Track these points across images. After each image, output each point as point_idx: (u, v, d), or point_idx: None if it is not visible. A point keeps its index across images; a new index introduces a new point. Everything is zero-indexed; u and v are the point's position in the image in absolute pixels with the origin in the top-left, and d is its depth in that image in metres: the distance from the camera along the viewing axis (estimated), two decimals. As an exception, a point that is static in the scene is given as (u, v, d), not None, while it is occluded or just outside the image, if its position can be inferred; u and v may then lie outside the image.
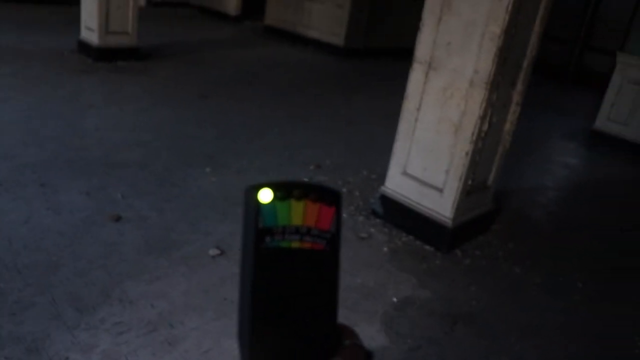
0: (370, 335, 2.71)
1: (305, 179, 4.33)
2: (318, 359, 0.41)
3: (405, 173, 3.68)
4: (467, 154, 3.33)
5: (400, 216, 3.74)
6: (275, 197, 0.40)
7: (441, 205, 3.51)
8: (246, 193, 0.42)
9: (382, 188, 3.85)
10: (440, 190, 3.50)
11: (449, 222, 3.49)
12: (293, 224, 0.40)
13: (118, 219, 3.33)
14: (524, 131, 5.45)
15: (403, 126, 3.65)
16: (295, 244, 0.40)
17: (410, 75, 3.55)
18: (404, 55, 10.16)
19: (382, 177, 4.06)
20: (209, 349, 2.45)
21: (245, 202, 0.42)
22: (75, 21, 7.16)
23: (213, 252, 3.16)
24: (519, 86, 3.48)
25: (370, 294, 3.04)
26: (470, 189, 3.51)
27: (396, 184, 3.75)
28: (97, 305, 2.58)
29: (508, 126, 3.59)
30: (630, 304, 3.42)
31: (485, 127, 3.32)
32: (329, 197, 0.41)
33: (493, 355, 2.75)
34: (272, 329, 0.40)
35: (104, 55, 6.76)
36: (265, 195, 0.41)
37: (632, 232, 4.55)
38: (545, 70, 9.34)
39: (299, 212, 0.41)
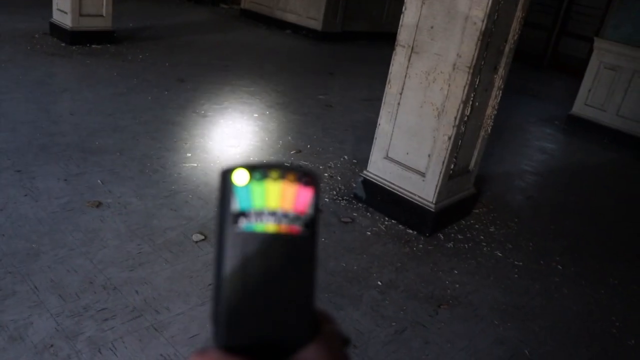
0: (356, 318, 2.73)
1: (287, 165, 4.30)
2: (295, 344, 0.40)
3: (387, 157, 3.69)
4: (449, 138, 3.34)
5: (382, 200, 3.75)
6: (251, 178, 0.39)
7: (424, 190, 3.53)
8: (221, 175, 0.39)
9: (364, 172, 3.85)
10: (423, 175, 3.51)
11: (431, 206, 3.51)
12: (269, 206, 0.39)
13: (98, 205, 3.27)
14: (502, 116, 5.51)
15: (385, 110, 3.64)
16: (271, 227, 0.39)
17: (393, 58, 3.54)
18: (382, 40, 10.23)
19: (363, 162, 4.07)
20: (196, 334, 2.44)
21: (220, 184, 0.39)
22: (46, 3, 6.96)
23: (196, 237, 3.13)
24: (501, 71, 3.50)
25: (355, 278, 3.05)
26: (453, 173, 3.54)
27: (378, 168, 3.75)
28: (81, 292, 2.54)
29: (490, 110, 3.61)
30: (609, 285, 3.50)
31: (468, 111, 3.34)
32: (306, 178, 0.40)
33: (477, 336, 2.79)
34: (247, 314, 0.39)
35: (77, 38, 6.60)
36: (241, 177, 0.39)
37: (610, 215, 4.65)
38: (522, 56, 9.40)
39: (275, 195, 0.39)
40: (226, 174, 0.39)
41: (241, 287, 0.39)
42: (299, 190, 0.39)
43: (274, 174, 0.39)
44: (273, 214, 0.39)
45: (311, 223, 0.40)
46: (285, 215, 0.39)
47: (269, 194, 0.39)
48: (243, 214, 0.39)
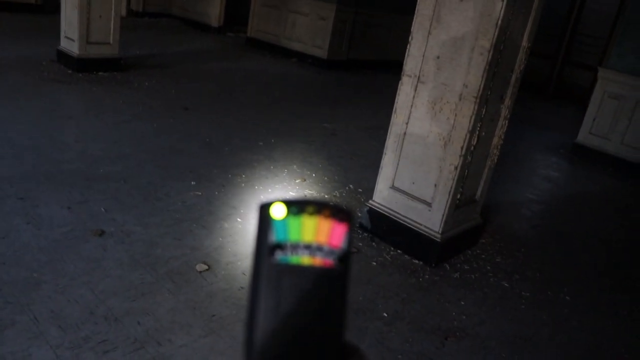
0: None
1: (292, 194, 4.29)
2: None
3: (393, 187, 3.66)
4: (456, 168, 3.32)
5: (388, 230, 3.71)
6: (288, 212, 0.41)
7: (430, 220, 3.49)
8: (259, 208, 0.41)
9: (370, 202, 3.82)
10: (429, 204, 3.48)
11: (437, 236, 3.47)
12: (304, 240, 0.41)
13: (101, 233, 3.25)
14: (508, 145, 5.49)
15: (391, 140, 3.63)
16: (306, 260, 0.40)
17: (399, 88, 3.54)
18: (387, 68, 10.30)
19: (368, 191, 4.04)
20: (198, 368, 2.38)
21: (257, 217, 0.41)
22: (54, 31, 7.05)
23: (200, 267, 3.09)
24: (507, 101, 3.50)
25: (360, 310, 3.00)
26: (459, 203, 3.50)
27: (384, 198, 3.73)
28: (81, 323, 2.50)
29: (496, 140, 3.59)
30: (618, 316, 3.44)
31: (474, 141, 3.32)
32: (341, 214, 0.41)
33: (485, 371, 2.73)
34: (279, 344, 0.40)
35: (84, 65, 6.66)
36: (278, 211, 0.41)
37: (618, 245, 4.59)
38: (527, 85, 9.44)
39: (311, 229, 0.41)
40: (264, 208, 0.41)
41: (275, 318, 0.40)
42: (333, 226, 0.41)
43: (310, 209, 0.41)
44: (308, 247, 0.40)
45: (344, 257, 0.41)
46: (319, 249, 0.41)
47: (304, 228, 0.40)
48: (279, 246, 0.40)
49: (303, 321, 0.40)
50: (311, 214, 0.41)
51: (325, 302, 0.41)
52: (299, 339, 0.40)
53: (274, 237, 0.40)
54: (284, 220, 0.40)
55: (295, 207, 0.41)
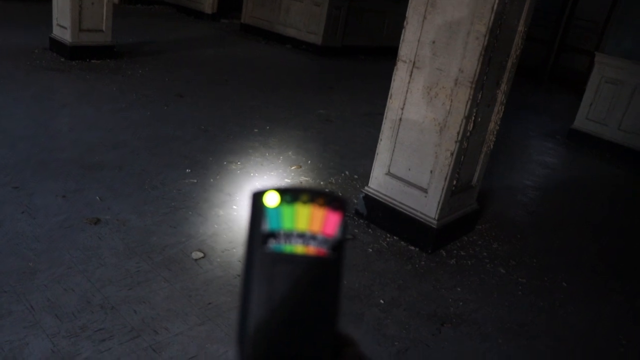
0: (358, 338, 2.66)
1: (287, 180, 4.27)
2: None
3: (389, 173, 3.65)
4: (452, 153, 3.31)
5: (384, 217, 3.71)
6: (282, 201, 0.40)
7: (426, 206, 3.49)
8: (252, 196, 0.41)
9: (366, 188, 3.81)
10: (425, 191, 3.48)
11: (433, 223, 3.47)
12: (298, 228, 0.40)
13: (96, 222, 3.23)
14: (503, 131, 5.48)
15: (387, 125, 3.61)
16: (300, 249, 0.40)
17: (394, 74, 3.52)
18: (383, 54, 10.25)
19: (364, 178, 4.03)
20: (195, 355, 2.38)
21: (250, 205, 0.41)
22: (46, 18, 6.97)
23: (195, 255, 3.08)
24: (503, 86, 3.48)
25: (356, 296, 3.00)
26: (455, 189, 3.50)
27: (380, 184, 3.72)
28: (78, 312, 2.49)
29: (492, 126, 3.58)
30: (614, 302, 3.45)
31: (470, 126, 3.31)
32: (335, 203, 0.41)
33: (481, 356, 2.74)
34: (272, 333, 0.40)
35: (77, 53, 6.59)
36: (272, 199, 0.40)
37: (613, 230, 4.61)
38: (523, 70, 9.41)
39: (304, 217, 0.40)
40: (257, 196, 0.40)
41: (268, 306, 0.40)
42: (327, 214, 0.41)
43: (304, 197, 0.41)
44: (301, 236, 0.40)
45: (338, 246, 0.41)
46: (313, 238, 0.40)
47: (298, 217, 0.40)
48: (272, 234, 0.40)
49: (296, 310, 0.40)
50: (305, 202, 0.40)
51: (319, 291, 0.41)
52: (292, 327, 0.40)
53: (267, 225, 0.40)
54: (277, 208, 0.40)
55: (289, 195, 0.40)
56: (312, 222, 0.41)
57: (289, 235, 0.40)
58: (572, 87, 10.42)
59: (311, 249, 0.40)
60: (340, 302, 0.41)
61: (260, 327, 0.40)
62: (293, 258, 0.40)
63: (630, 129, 6.50)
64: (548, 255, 3.87)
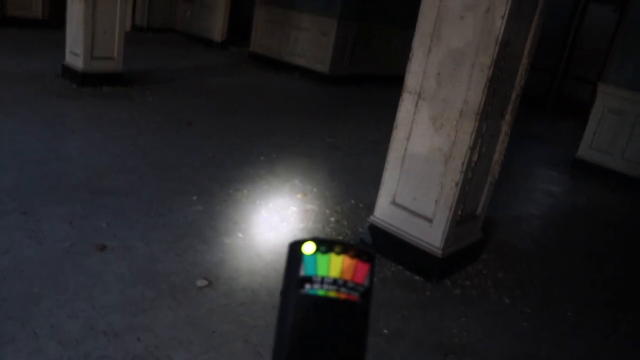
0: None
1: (293, 208, 4.29)
2: None
3: (394, 202, 3.66)
4: (457, 184, 3.33)
5: (389, 246, 3.71)
6: (317, 250, 0.44)
7: (431, 236, 3.49)
8: (291, 245, 0.45)
9: (371, 217, 3.82)
10: (430, 220, 3.48)
11: (438, 252, 3.47)
12: (331, 275, 0.44)
13: (102, 248, 3.25)
14: (507, 160, 5.49)
15: (392, 155, 3.64)
16: (332, 294, 0.44)
17: (400, 104, 3.56)
18: (389, 83, 10.33)
19: (370, 206, 4.04)
20: (197, 384, 2.38)
21: (288, 253, 0.45)
22: (59, 45, 7.10)
23: (200, 283, 3.09)
24: (508, 117, 3.51)
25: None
26: (460, 219, 3.50)
27: (385, 214, 3.73)
28: (81, 339, 2.50)
29: (497, 156, 3.60)
30: (620, 333, 3.42)
31: (475, 157, 3.33)
32: (365, 255, 0.45)
33: (486, 389, 2.72)
34: None
35: (88, 80, 6.70)
36: (309, 248, 0.44)
37: (618, 259, 4.58)
38: (526, 99, 9.49)
39: (337, 266, 0.44)
40: (295, 244, 0.45)
41: (301, 344, 0.43)
42: (358, 264, 0.45)
43: (337, 248, 0.45)
44: (334, 282, 0.44)
45: (367, 294, 0.45)
46: (344, 285, 0.44)
47: (331, 265, 0.44)
48: (308, 279, 0.44)
49: (327, 349, 0.43)
50: (338, 252, 0.44)
51: (348, 333, 0.44)
52: None
53: (303, 270, 0.44)
54: (313, 256, 0.44)
55: (324, 245, 0.44)
56: (344, 270, 0.44)
57: (323, 281, 0.44)
58: (575, 115, 10.44)
59: (343, 295, 0.44)
60: (367, 344, 0.44)
61: None
62: (326, 301, 0.43)
63: (634, 158, 6.51)
64: (553, 285, 3.85)
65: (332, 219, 4.23)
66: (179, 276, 3.12)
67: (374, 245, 3.79)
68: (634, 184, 6.47)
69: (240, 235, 3.70)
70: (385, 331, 2.98)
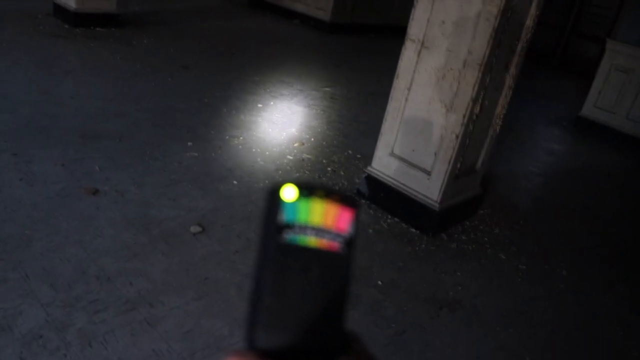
0: (355, 318, 2.65)
1: (289, 157, 4.22)
2: (327, 355, 0.41)
3: (392, 154, 3.60)
4: (457, 136, 3.26)
5: (386, 198, 3.67)
6: (298, 195, 0.41)
7: (428, 188, 3.45)
8: (270, 189, 0.42)
9: (368, 168, 3.77)
10: (428, 173, 3.43)
11: (435, 206, 3.43)
12: (312, 222, 0.41)
13: (95, 192, 3.20)
14: (510, 116, 5.41)
15: (392, 105, 3.56)
16: (313, 242, 0.41)
17: (402, 53, 3.45)
18: (391, 32, 10.11)
19: (367, 157, 3.99)
20: (190, 329, 2.37)
21: (267, 197, 0.42)
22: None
23: (194, 229, 3.05)
24: (513, 70, 3.41)
25: (355, 277, 2.97)
26: (459, 173, 3.45)
27: (383, 165, 3.67)
28: (73, 282, 2.47)
29: (499, 110, 3.52)
30: (615, 291, 3.43)
31: (477, 109, 3.25)
32: (349, 201, 0.42)
33: (479, 341, 2.73)
34: (283, 320, 0.41)
35: (81, 20, 6.49)
36: (289, 193, 0.41)
37: (616, 219, 4.57)
38: (532, 55, 9.32)
39: (319, 212, 0.41)
40: (275, 189, 0.42)
41: (280, 294, 0.41)
42: (341, 211, 0.42)
43: (319, 193, 0.42)
44: (315, 229, 0.41)
45: (350, 242, 0.42)
46: (326, 232, 0.41)
47: (313, 211, 0.41)
48: (288, 226, 0.41)
49: (307, 300, 0.41)
50: (320, 198, 0.42)
51: (329, 283, 0.42)
52: (303, 316, 0.41)
53: (283, 217, 0.41)
54: (293, 201, 0.41)
55: (306, 190, 0.42)
56: (327, 217, 0.42)
57: (303, 228, 0.41)
58: (581, 74, 10.28)
59: (324, 243, 0.41)
60: (349, 297, 0.42)
61: (272, 315, 0.41)
62: (306, 250, 0.41)
63: (639, 118, 6.42)
64: (549, 243, 3.84)
65: (329, 168, 4.17)
66: (173, 222, 3.08)
67: (370, 196, 3.75)
68: (637, 144, 6.41)
69: (235, 182, 3.65)
70: (380, 283, 2.97)
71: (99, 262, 2.63)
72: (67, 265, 2.57)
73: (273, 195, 0.42)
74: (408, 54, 3.42)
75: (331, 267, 0.41)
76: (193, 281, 2.66)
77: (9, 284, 2.39)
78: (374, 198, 3.74)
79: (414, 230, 3.54)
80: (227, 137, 4.35)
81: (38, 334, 2.17)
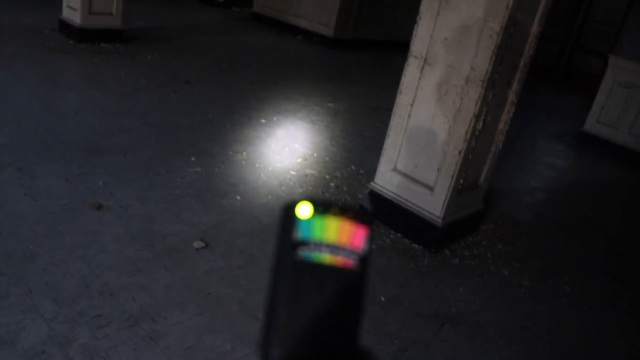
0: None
1: (293, 172, 4.23)
2: None
3: (395, 169, 3.61)
4: (460, 152, 3.27)
5: (389, 213, 3.67)
6: (313, 212, 0.42)
7: (431, 204, 3.45)
8: (285, 207, 0.43)
9: (372, 184, 3.77)
10: (431, 189, 3.43)
11: (438, 221, 3.43)
12: (327, 239, 0.42)
13: (99, 207, 3.21)
14: (512, 131, 5.42)
15: (395, 121, 3.57)
16: (328, 259, 0.41)
17: (405, 69, 3.47)
18: (394, 49, 10.16)
19: (370, 173, 4.00)
20: (192, 345, 2.36)
21: (282, 214, 0.42)
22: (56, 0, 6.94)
23: (197, 244, 3.06)
24: (515, 86, 3.43)
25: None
26: (462, 188, 3.46)
27: (386, 180, 3.68)
28: (76, 297, 2.47)
29: (502, 126, 3.53)
30: (617, 307, 3.41)
31: (480, 125, 3.26)
32: (363, 219, 0.43)
33: (481, 357, 2.71)
34: (298, 337, 0.41)
35: (86, 36, 6.56)
36: (304, 210, 0.42)
37: (619, 236, 4.55)
38: (534, 69, 9.36)
39: (333, 230, 0.42)
40: (290, 207, 0.42)
41: (294, 311, 0.41)
42: (355, 228, 0.42)
43: (334, 210, 0.42)
44: (330, 246, 0.42)
45: (364, 259, 0.42)
46: (341, 249, 0.42)
47: (328, 229, 0.42)
48: (303, 243, 0.42)
49: (321, 317, 0.41)
50: (335, 215, 0.42)
51: (344, 300, 0.42)
52: (317, 333, 0.41)
53: (298, 234, 0.42)
54: (308, 219, 0.42)
55: (320, 207, 0.42)
56: (341, 234, 0.42)
57: (318, 245, 0.42)
58: (584, 89, 10.31)
59: (339, 260, 0.42)
60: (363, 313, 0.42)
61: (286, 332, 0.41)
62: (321, 267, 0.41)
63: (642, 134, 6.43)
64: (552, 258, 3.83)
65: (332, 184, 4.18)
66: (176, 237, 3.08)
67: (373, 211, 3.75)
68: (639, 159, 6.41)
69: (238, 197, 3.66)
70: (383, 299, 2.97)
71: (102, 277, 2.64)
72: (70, 280, 2.57)
73: (288, 212, 0.42)
74: (411, 70, 3.44)
75: (346, 284, 0.42)
76: (196, 296, 2.65)
77: (12, 299, 2.39)
78: (377, 214, 3.74)
79: (416, 245, 3.54)
80: (231, 152, 4.36)
81: (41, 349, 2.17)
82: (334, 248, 0.42)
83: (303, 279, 0.41)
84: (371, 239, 0.43)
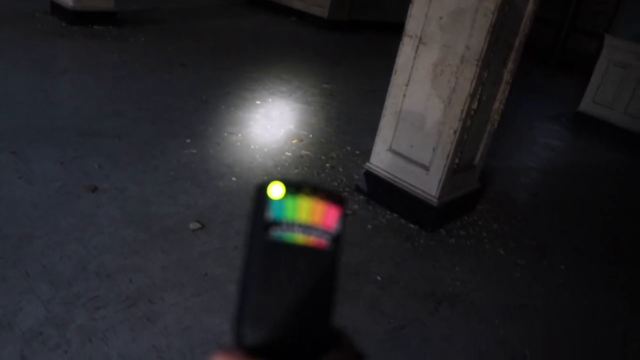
0: (354, 314, 2.67)
1: (288, 153, 4.23)
2: (314, 351, 0.42)
3: (391, 149, 3.61)
4: (455, 131, 3.27)
5: (384, 193, 3.68)
6: (285, 192, 0.42)
7: (427, 184, 3.46)
8: (257, 187, 0.42)
9: (367, 164, 3.77)
10: (427, 168, 3.44)
11: (434, 201, 3.44)
12: (299, 219, 0.42)
13: (94, 190, 3.21)
14: (508, 112, 5.42)
15: (390, 101, 3.56)
16: (300, 239, 0.41)
17: (400, 49, 3.45)
18: (389, 30, 10.11)
19: (366, 153, 3.99)
20: (189, 325, 2.37)
21: (255, 195, 0.42)
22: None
23: (193, 225, 3.06)
24: (510, 65, 3.42)
25: (354, 273, 2.99)
26: (457, 168, 3.46)
27: (381, 161, 3.68)
28: (73, 279, 2.48)
29: (497, 105, 3.53)
30: (612, 288, 3.44)
31: (475, 105, 3.26)
32: (336, 198, 0.43)
33: (477, 336, 2.73)
34: (271, 317, 0.41)
35: (79, 18, 6.49)
36: (276, 190, 0.42)
37: (615, 215, 4.58)
38: (530, 51, 9.32)
39: (306, 209, 0.42)
40: (262, 187, 0.42)
41: (267, 291, 0.41)
42: (328, 208, 0.42)
43: (306, 190, 0.42)
44: (302, 226, 0.41)
45: (337, 239, 0.42)
46: (313, 229, 0.42)
47: (300, 208, 0.42)
48: (275, 223, 0.41)
49: (294, 297, 0.41)
50: (307, 195, 0.42)
51: (316, 280, 0.42)
52: (290, 313, 0.41)
53: (270, 214, 0.41)
54: (280, 199, 0.42)
55: (292, 187, 0.42)
56: (314, 214, 0.42)
57: (290, 225, 0.41)
58: (579, 69, 10.29)
59: (311, 240, 0.41)
60: (336, 293, 0.42)
61: (259, 312, 0.41)
62: (293, 247, 0.41)
63: (637, 114, 6.43)
64: (548, 238, 3.85)
65: (327, 165, 4.18)
66: (172, 219, 3.08)
67: (369, 192, 3.76)
68: (635, 139, 6.42)
69: (234, 179, 3.65)
70: (379, 278, 2.98)
71: (99, 259, 2.64)
72: (67, 262, 2.58)
73: (260, 192, 0.42)
74: (406, 50, 3.43)
75: (318, 264, 0.42)
76: (192, 277, 2.66)
77: (9, 282, 2.39)
78: (373, 194, 3.75)
79: (412, 225, 3.55)
80: (226, 134, 4.35)
81: (38, 331, 2.18)
82: (306, 228, 0.41)
83: (275, 259, 0.41)
84: (344, 218, 0.43)
